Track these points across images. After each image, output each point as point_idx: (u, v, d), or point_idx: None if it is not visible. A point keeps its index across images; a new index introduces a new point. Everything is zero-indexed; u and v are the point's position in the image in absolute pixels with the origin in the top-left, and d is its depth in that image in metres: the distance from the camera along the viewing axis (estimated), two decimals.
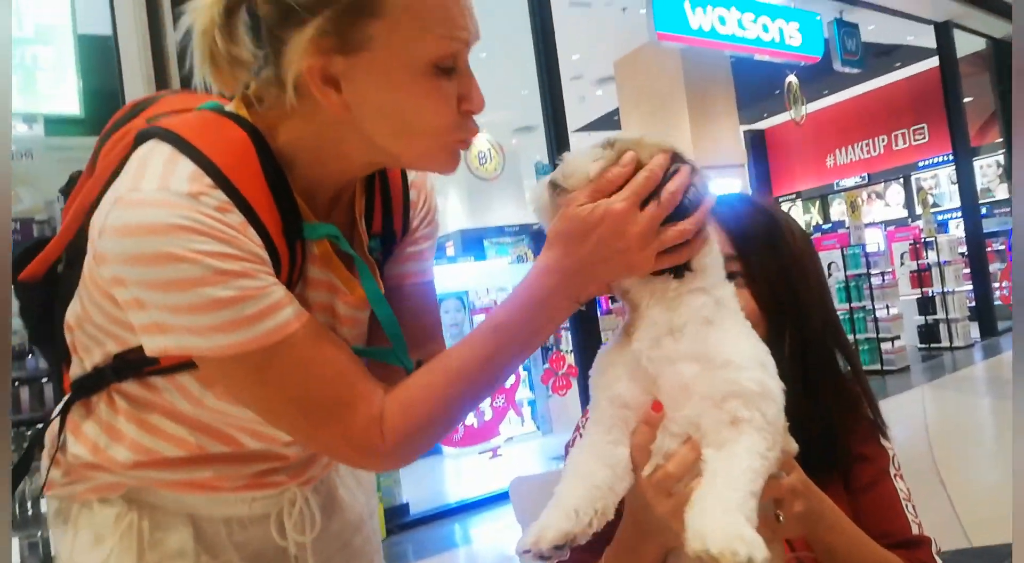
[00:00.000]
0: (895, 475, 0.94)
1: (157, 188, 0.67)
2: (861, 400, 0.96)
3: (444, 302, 5.93)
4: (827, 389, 0.92)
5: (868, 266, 7.09)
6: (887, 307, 7.17)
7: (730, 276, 0.80)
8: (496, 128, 8.58)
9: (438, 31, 0.69)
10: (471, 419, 4.87)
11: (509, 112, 9.37)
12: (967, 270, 8.43)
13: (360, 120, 0.72)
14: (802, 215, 13.50)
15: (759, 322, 0.87)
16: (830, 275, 7.46)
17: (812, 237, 8.40)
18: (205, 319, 0.66)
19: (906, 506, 0.91)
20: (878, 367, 6.90)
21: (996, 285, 8.84)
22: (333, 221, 0.80)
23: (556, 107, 5.27)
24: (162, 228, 0.65)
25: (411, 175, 0.93)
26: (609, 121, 10.56)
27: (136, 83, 3.18)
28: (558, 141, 5.30)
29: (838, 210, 12.72)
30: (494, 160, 8.39)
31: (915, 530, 0.91)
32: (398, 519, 4.10)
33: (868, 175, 12.38)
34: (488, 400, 4.84)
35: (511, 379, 4.98)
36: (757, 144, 13.86)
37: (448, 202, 12.48)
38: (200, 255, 0.65)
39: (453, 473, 5.36)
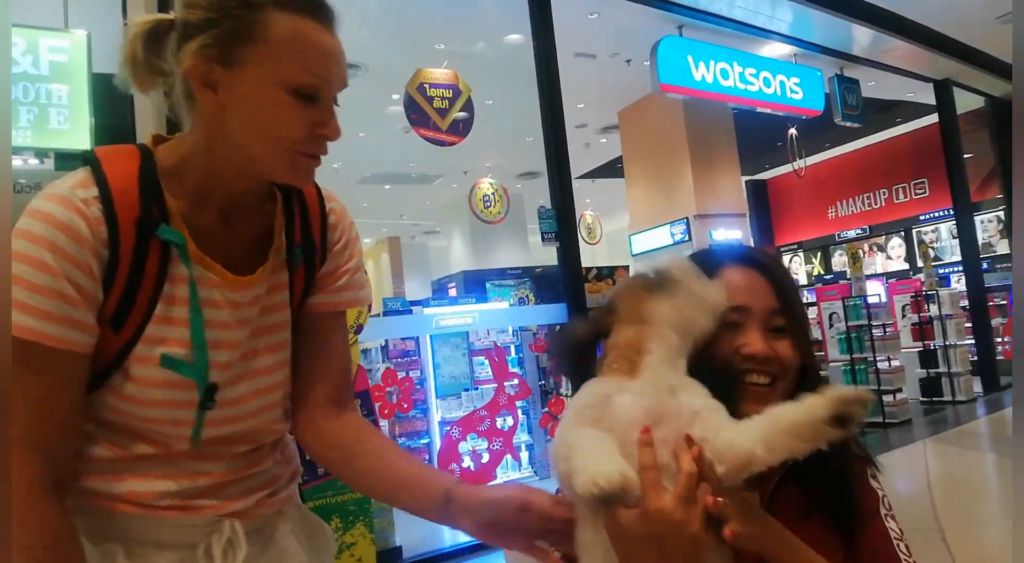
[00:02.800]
0: (886, 515, 0.93)
1: (56, 186, 0.85)
2: (849, 440, 0.96)
3: (445, 341, 5.93)
4: None
5: (870, 318, 7.09)
6: (888, 359, 7.14)
7: (778, 329, 0.94)
8: (501, 173, 8.70)
9: (303, 65, 0.85)
10: (468, 462, 4.82)
11: (514, 157, 9.52)
12: (969, 324, 8.42)
13: (230, 121, 0.86)
14: (804, 266, 13.55)
15: (795, 374, 0.95)
16: (831, 326, 7.46)
17: (815, 288, 8.43)
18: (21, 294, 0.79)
19: (898, 546, 0.91)
20: (879, 419, 6.84)
21: (998, 340, 8.82)
22: (239, 228, 0.95)
23: (560, 153, 5.34)
24: (36, 213, 0.82)
25: (329, 203, 1.07)
26: (612, 168, 10.69)
27: (147, 120, 3.25)
28: (561, 186, 5.36)
29: (839, 261, 12.76)
30: (498, 204, 8.49)
31: None
32: (391, 562, 4.03)
33: (869, 227, 12.46)
34: (486, 443, 4.81)
35: (509, 422, 4.94)
36: (759, 194, 13.98)
37: (452, 244, 12.58)
38: (44, 245, 0.80)
39: None
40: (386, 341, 5.97)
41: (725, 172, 8.16)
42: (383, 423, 4.44)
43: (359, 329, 3.88)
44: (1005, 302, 8.81)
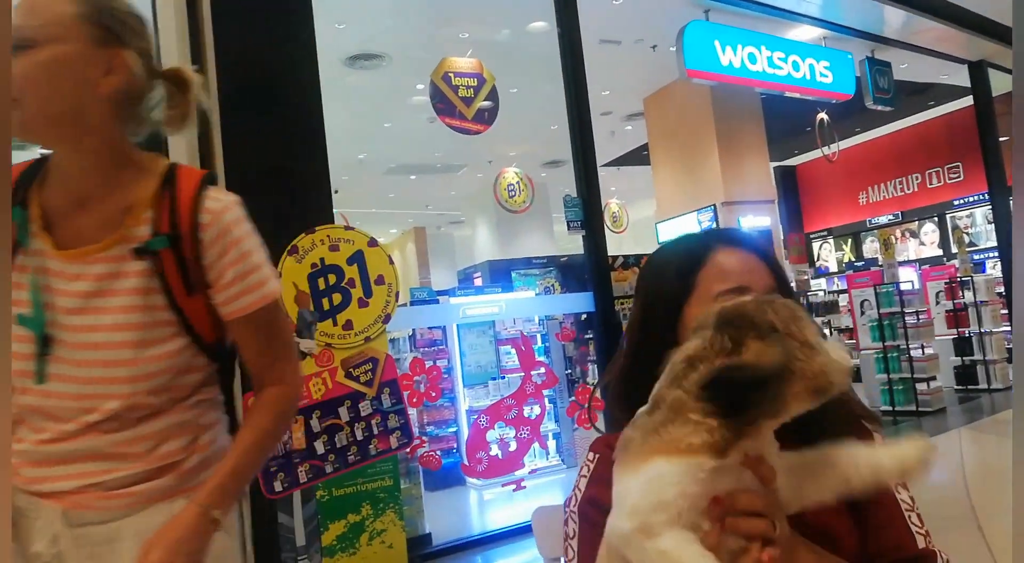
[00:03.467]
0: (897, 485, 0.88)
1: None
2: (849, 398, 0.90)
3: (472, 330, 5.96)
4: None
5: (902, 305, 6.97)
6: (922, 347, 7.03)
7: None
8: (526, 162, 8.69)
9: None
10: (495, 450, 4.85)
11: (539, 146, 9.49)
12: (1005, 311, 8.24)
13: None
14: (834, 252, 13.35)
15: None
16: (863, 313, 7.35)
17: (845, 274, 8.28)
18: None
19: (909, 517, 0.87)
20: (913, 408, 6.74)
21: None
22: (95, 211, 1.08)
23: (585, 141, 5.31)
24: None
25: (207, 202, 1.11)
26: (638, 156, 10.61)
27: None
28: (587, 175, 5.33)
29: (871, 248, 12.55)
30: (523, 193, 8.47)
31: (921, 543, 0.85)
32: (420, 549, 4.08)
33: (902, 213, 12.23)
34: (513, 431, 4.83)
35: (536, 410, 4.96)
36: (788, 181, 13.78)
37: (477, 233, 12.59)
38: None
39: (476, 504, 5.33)
40: (414, 330, 6.01)
41: (753, 158, 8.05)
42: (412, 411, 4.47)
43: (387, 318, 3.92)
44: None
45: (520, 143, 9.40)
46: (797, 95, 6.87)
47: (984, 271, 9.40)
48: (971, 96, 8.93)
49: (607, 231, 7.86)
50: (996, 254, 9.29)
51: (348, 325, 3.83)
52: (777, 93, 6.78)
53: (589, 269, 5.21)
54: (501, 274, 10.08)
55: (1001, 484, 4.47)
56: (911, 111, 11.07)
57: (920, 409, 6.73)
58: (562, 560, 0.90)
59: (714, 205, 7.75)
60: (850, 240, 13.10)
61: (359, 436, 3.81)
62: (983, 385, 7.68)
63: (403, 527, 3.94)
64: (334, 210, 6.98)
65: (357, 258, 3.87)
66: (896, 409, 6.84)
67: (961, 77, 8.95)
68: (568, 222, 4.93)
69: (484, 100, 5.13)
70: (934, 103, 10.85)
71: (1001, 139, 9.03)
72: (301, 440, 3.67)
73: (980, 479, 4.51)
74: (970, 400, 7.36)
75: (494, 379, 5.90)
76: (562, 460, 5.82)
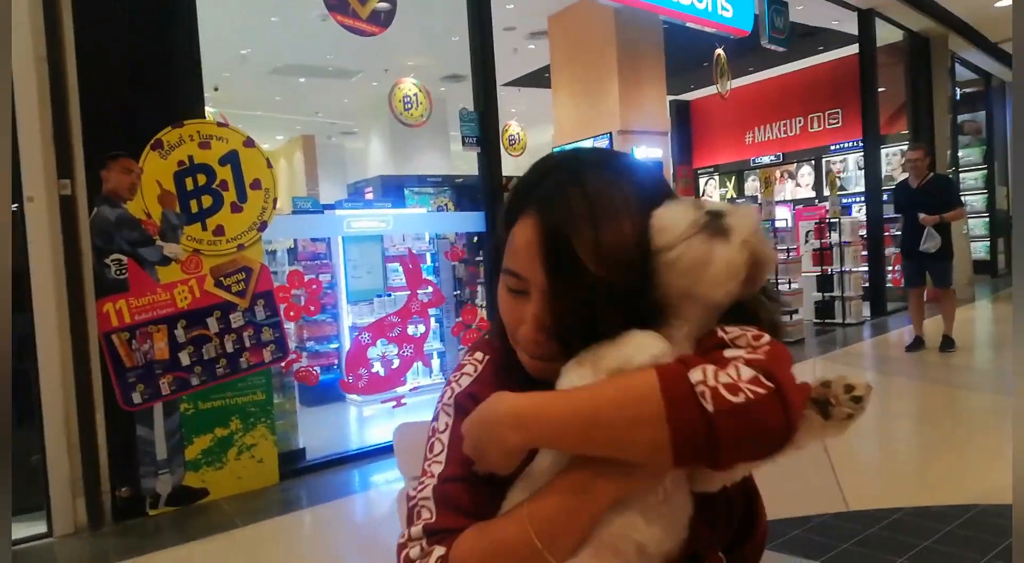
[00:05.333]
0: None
1: None
2: None
3: (359, 245, 5.76)
4: None
5: (776, 242, 7.33)
6: (789, 282, 7.46)
7: None
8: (425, 74, 8.31)
9: None
10: (377, 367, 4.78)
11: (439, 58, 9.10)
12: (865, 252, 8.86)
13: None
14: (718, 188, 13.84)
15: None
16: None
17: None
18: None
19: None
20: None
21: (888, 268, 9.35)
22: None
23: (486, 57, 5.11)
24: None
25: None
26: (540, 78, 10.41)
27: None
28: (486, 90, 5.15)
29: (752, 186, 13.09)
30: (421, 106, 8.12)
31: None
32: (293, 464, 4.01)
33: (783, 154, 12.76)
34: (396, 349, 4.76)
35: (421, 329, 4.90)
36: (682, 115, 14.02)
37: (371, 146, 12.12)
38: None
39: (355, 420, 5.29)
40: (295, 242, 5.75)
41: (651, 89, 8.06)
42: (289, 325, 4.31)
43: (263, 226, 3.69)
44: (899, 233, 9.28)
45: (419, 53, 8.98)
46: (697, 27, 6.88)
47: (851, 214, 10.03)
48: (856, 45, 9.27)
49: (504, 152, 7.73)
50: (863, 199, 9.91)
51: (219, 231, 3.57)
52: (679, 23, 6.77)
53: (482, 187, 5.11)
54: (393, 190, 9.79)
55: None
56: (801, 55, 11.40)
57: (782, 340, 7.18)
58: (422, 462, 0.81)
59: (610, 133, 7.75)
60: (734, 177, 13.60)
61: (229, 348, 3.62)
62: (839, 320, 8.29)
63: (275, 442, 3.83)
64: (211, 109, 6.45)
65: (231, 158, 3.59)
66: None
67: (850, 25, 9.25)
68: (463, 137, 4.77)
69: (380, 0, 4.79)
70: (823, 48, 11.20)
71: (880, 89, 9.50)
72: (164, 350, 3.45)
73: None
74: (826, 333, 7.94)
75: (380, 296, 5.77)
76: (445, 379, 5.84)
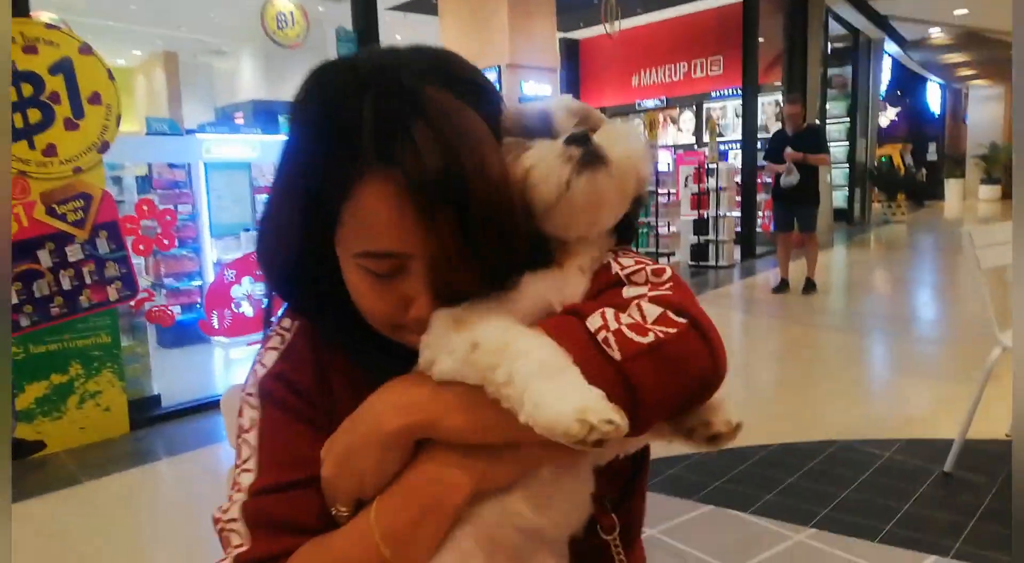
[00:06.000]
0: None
1: None
2: None
3: (224, 174, 5.29)
4: None
5: (657, 185, 7.42)
6: (668, 225, 7.62)
7: None
8: None
9: None
10: (245, 307, 4.45)
11: None
12: (739, 198, 9.19)
13: None
14: None
15: None
16: None
17: None
18: None
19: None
20: None
21: (760, 214, 9.77)
22: None
23: None
24: None
25: None
26: (427, 3, 9.89)
27: None
28: (367, 14, 4.77)
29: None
30: (297, 26, 7.51)
31: None
32: (146, 412, 3.68)
33: (667, 99, 12.94)
34: (264, 287, 4.44)
35: None
36: (571, 54, 13.87)
37: (241, 68, 11.23)
38: None
39: (221, 364, 4.94)
40: (150, 168, 5.20)
41: (541, 22, 7.83)
42: (138, 261, 3.89)
43: (104, 147, 3.24)
44: (771, 180, 9.69)
45: None
46: None
47: (727, 160, 10.35)
48: None
49: None
50: (739, 146, 10.23)
51: (51, 150, 3.10)
52: None
53: None
54: (267, 116, 9.13)
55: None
56: None
57: None
58: (232, 468, 0.64)
59: (499, 66, 7.49)
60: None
61: (66, 285, 3.21)
62: (712, 262, 8.61)
63: (124, 388, 3.49)
64: (52, 14, 5.65)
65: (63, 67, 3.10)
66: None
67: None
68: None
69: None
70: None
71: (759, 39, 9.72)
72: None
73: None
74: (700, 274, 8.23)
75: (248, 230, 5.36)
76: None
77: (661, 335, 0.55)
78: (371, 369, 0.64)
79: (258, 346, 0.70)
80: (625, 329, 0.55)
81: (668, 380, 0.55)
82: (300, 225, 0.61)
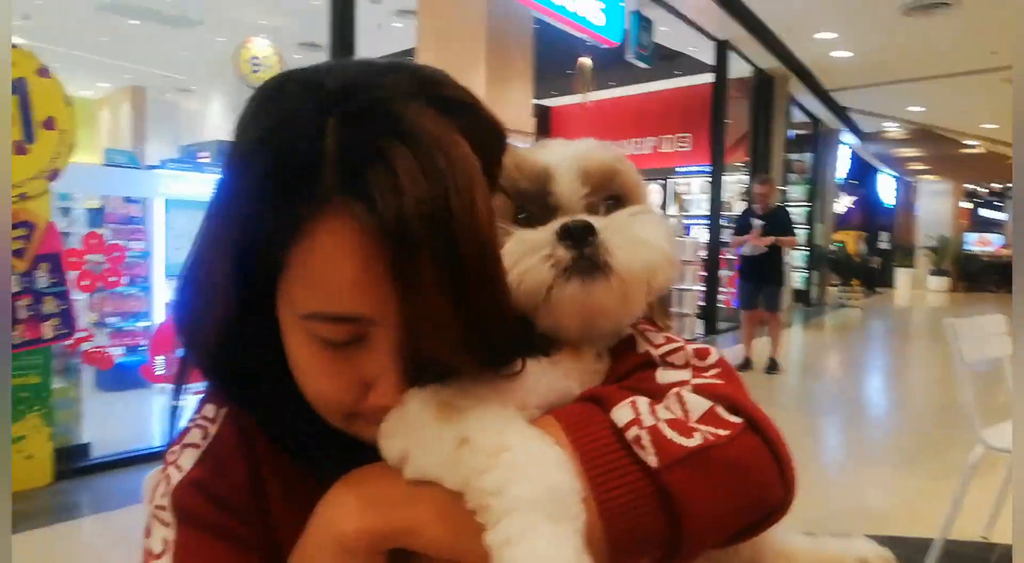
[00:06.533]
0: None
1: None
2: None
3: (184, 212, 5.10)
4: None
5: None
6: None
7: None
8: (279, 37, 7.67)
9: None
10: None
11: (295, 22, 8.45)
12: (703, 273, 9.26)
13: None
14: None
15: None
16: None
17: None
18: None
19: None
20: None
21: (722, 289, 9.86)
22: None
23: (346, 28, 4.72)
24: None
25: None
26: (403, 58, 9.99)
27: None
28: None
29: None
30: (271, 70, 7.47)
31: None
32: (73, 462, 3.37)
33: None
34: (179, 360, 4.20)
35: None
36: (543, 121, 14.11)
37: (210, 108, 11.13)
38: None
39: (157, 412, 4.63)
40: (105, 203, 4.97)
41: (518, 87, 7.92)
42: (81, 297, 3.64)
43: (54, 175, 3.05)
44: (733, 256, 9.82)
45: (273, 13, 8.27)
46: (570, 30, 6.83)
47: (688, 234, 10.49)
48: (710, 74, 9.72)
49: None
50: (703, 221, 10.39)
51: None
52: (552, 21, 6.68)
53: None
54: None
55: None
56: (659, 76, 11.80)
57: None
58: None
59: None
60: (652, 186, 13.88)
61: None
62: None
63: (51, 434, 3.19)
64: (20, 39, 5.50)
65: (18, 88, 2.92)
66: None
67: (707, 54, 9.66)
68: None
69: None
70: (680, 73, 11.67)
71: (726, 121, 10.02)
72: None
73: None
74: None
75: None
76: None
77: (711, 437, 0.43)
78: (312, 468, 0.50)
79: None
80: (663, 426, 0.43)
81: (721, 497, 0.42)
82: (234, 279, 0.46)
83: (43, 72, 3.01)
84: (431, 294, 0.41)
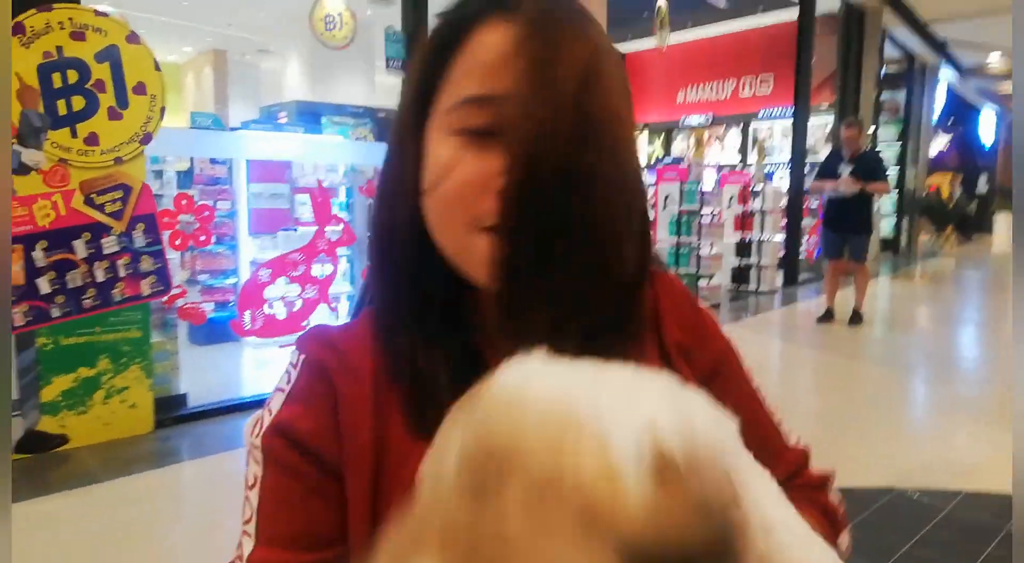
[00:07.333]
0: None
1: None
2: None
3: (265, 172, 5.26)
4: None
5: (702, 204, 7.23)
6: (711, 246, 7.41)
7: None
8: None
9: None
10: (278, 308, 4.38)
11: None
12: (784, 221, 8.94)
13: None
14: (647, 146, 13.74)
15: None
16: (664, 208, 7.55)
17: (656, 168, 8.43)
18: None
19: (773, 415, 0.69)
20: None
21: (804, 239, 9.51)
22: None
23: None
24: None
25: None
26: None
27: None
28: (416, 17, 4.70)
29: (679, 147, 13.04)
30: (345, 28, 7.49)
31: (792, 440, 0.70)
32: (172, 411, 3.60)
33: (713, 116, 12.73)
34: (299, 289, 4.36)
35: (328, 269, 4.50)
36: None
37: (287, 68, 11.28)
38: None
39: (249, 365, 4.87)
40: (192, 163, 5.17)
41: None
42: (173, 255, 3.83)
43: (147, 138, 3.18)
44: (816, 205, 9.41)
45: None
46: None
47: (771, 182, 10.10)
48: (795, 9, 9.18)
49: None
50: (786, 168, 9.97)
51: (92, 139, 3.05)
52: None
53: None
54: (310, 117, 9.11)
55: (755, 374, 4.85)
56: (741, 14, 11.25)
57: None
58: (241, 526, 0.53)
59: None
60: (663, 135, 13.51)
61: (100, 277, 3.14)
62: (753, 286, 8.37)
63: (152, 385, 3.41)
64: (108, 7, 5.68)
65: (110, 55, 3.04)
66: None
67: None
68: (388, 59, 4.33)
69: None
70: (763, 8, 11.08)
71: (812, 60, 9.49)
72: (19, 274, 2.95)
73: None
74: (740, 299, 8.00)
75: (286, 230, 5.31)
76: None
77: None
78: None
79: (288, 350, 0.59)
80: None
81: None
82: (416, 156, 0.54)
83: (133, 38, 3.13)
84: (564, 88, 0.47)
